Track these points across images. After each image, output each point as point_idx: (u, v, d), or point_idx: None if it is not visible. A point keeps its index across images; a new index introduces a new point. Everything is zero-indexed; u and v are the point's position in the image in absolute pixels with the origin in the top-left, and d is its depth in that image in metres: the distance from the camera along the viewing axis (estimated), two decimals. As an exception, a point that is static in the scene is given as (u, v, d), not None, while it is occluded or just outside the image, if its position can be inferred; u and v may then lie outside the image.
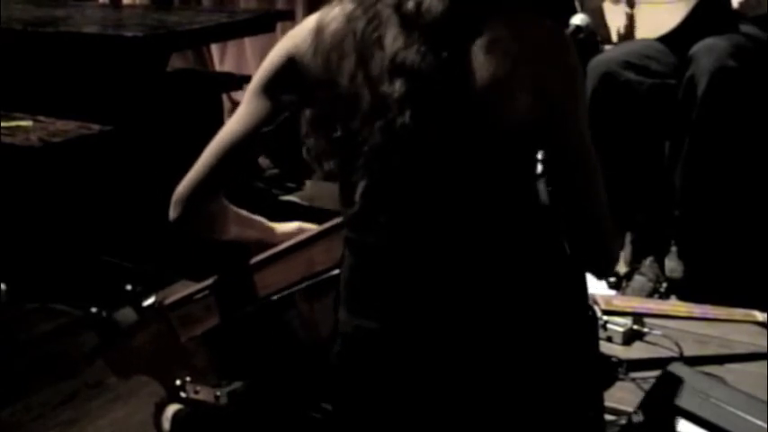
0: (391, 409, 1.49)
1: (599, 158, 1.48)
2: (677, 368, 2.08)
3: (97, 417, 2.38)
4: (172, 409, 1.74)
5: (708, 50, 2.75)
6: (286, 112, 1.50)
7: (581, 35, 2.21)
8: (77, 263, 3.17)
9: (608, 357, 2.28)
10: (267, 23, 4.10)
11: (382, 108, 1.37)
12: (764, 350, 2.38)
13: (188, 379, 1.67)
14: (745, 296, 2.68)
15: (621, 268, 3.01)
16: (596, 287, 2.83)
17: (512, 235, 1.45)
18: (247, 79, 4.14)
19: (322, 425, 1.64)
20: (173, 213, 1.57)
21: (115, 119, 3.36)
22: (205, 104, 4.08)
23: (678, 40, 2.89)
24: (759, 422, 1.90)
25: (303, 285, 1.66)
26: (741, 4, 2.72)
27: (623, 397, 2.13)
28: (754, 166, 2.91)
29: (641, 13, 3.06)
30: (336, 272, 1.56)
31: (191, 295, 1.70)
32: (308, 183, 4.18)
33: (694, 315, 2.63)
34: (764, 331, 2.51)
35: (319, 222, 1.72)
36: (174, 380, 1.67)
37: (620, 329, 2.45)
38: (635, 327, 2.48)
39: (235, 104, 4.59)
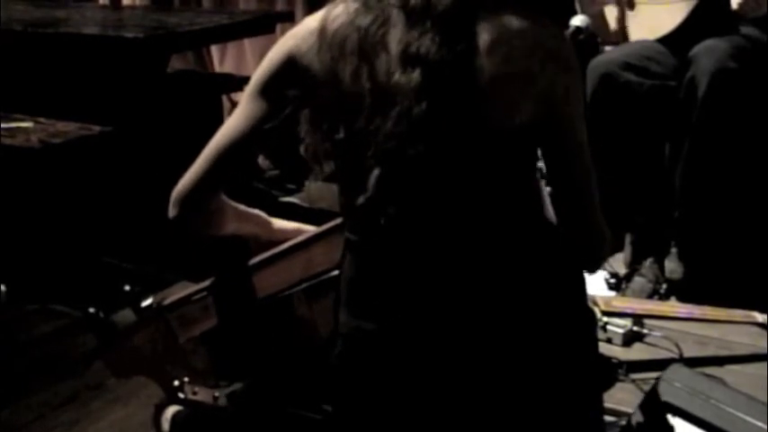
0: (391, 410, 1.48)
1: (598, 159, 1.48)
2: (677, 369, 2.08)
3: (97, 418, 2.38)
4: (171, 410, 1.74)
5: (708, 52, 2.75)
6: (285, 112, 1.50)
7: (581, 36, 2.21)
8: (77, 264, 3.17)
9: (608, 359, 2.28)
10: (267, 24, 4.10)
11: (395, 98, 1.36)
12: (764, 351, 2.38)
13: (186, 380, 1.66)
14: (745, 297, 2.68)
15: (621, 269, 3.01)
16: (596, 288, 2.83)
17: (512, 235, 1.45)
18: (247, 80, 4.08)
19: (321, 426, 1.64)
20: (171, 212, 1.57)
21: (115, 120, 3.36)
22: (205, 105, 4.08)
23: (678, 41, 2.89)
24: (759, 423, 1.90)
25: (302, 287, 1.66)
26: (740, 5, 2.72)
27: (623, 398, 2.13)
28: (753, 168, 2.91)
29: (641, 15, 3.06)
30: (335, 273, 1.56)
31: (189, 296, 1.69)
32: (308, 184, 4.18)
33: (694, 316, 2.63)
34: (764, 332, 2.51)
35: (319, 224, 1.72)
36: (173, 381, 1.67)
37: (620, 331, 2.45)
38: (635, 328, 2.48)
39: (235, 105, 4.58)
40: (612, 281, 2.93)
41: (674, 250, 2.97)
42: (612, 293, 2.90)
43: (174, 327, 1.69)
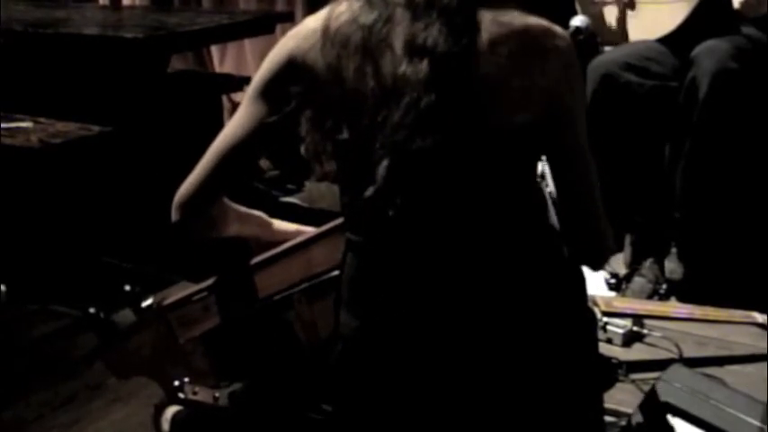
0: (392, 410, 1.48)
1: (598, 159, 1.49)
2: (677, 370, 2.08)
3: (97, 418, 2.38)
4: (171, 410, 1.74)
5: (709, 52, 2.75)
6: (286, 112, 1.50)
7: (581, 36, 2.21)
8: (77, 264, 3.17)
9: (608, 359, 2.28)
10: (267, 25, 4.10)
11: (401, 90, 1.36)
12: (764, 351, 2.38)
13: (187, 380, 1.66)
14: (745, 298, 2.68)
15: (621, 269, 3.01)
16: (596, 288, 2.83)
17: (514, 233, 1.45)
18: (247, 80, 4.14)
19: (322, 426, 1.64)
20: (174, 217, 1.57)
21: (115, 120, 3.36)
22: (205, 106, 4.08)
23: (679, 41, 2.89)
24: (758, 423, 1.90)
25: (302, 287, 1.66)
26: (742, 5, 2.72)
27: (623, 399, 2.13)
28: (754, 168, 2.91)
29: (642, 15, 3.06)
30: (336, 273, 1.56)
31: (189, 296, 1.69)
32: (309, 184, 4.18)
33: (694, 317, 2.63)
34: (764, 333, 2.51)
35: (319, 224, 1.72)
36: (173, 381, 1.67)
37: (620, 331, 2.46)
38: (635, 328, 2.48)
39: (235, 105, 4.59)
40: (612, 281, 2.93)
41: (674, 251, 2.97)
42: (612, 294, 2.90)
43: (175, 327, 1.68)
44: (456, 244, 1.43)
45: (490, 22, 1.38)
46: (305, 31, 1.48)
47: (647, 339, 2.47)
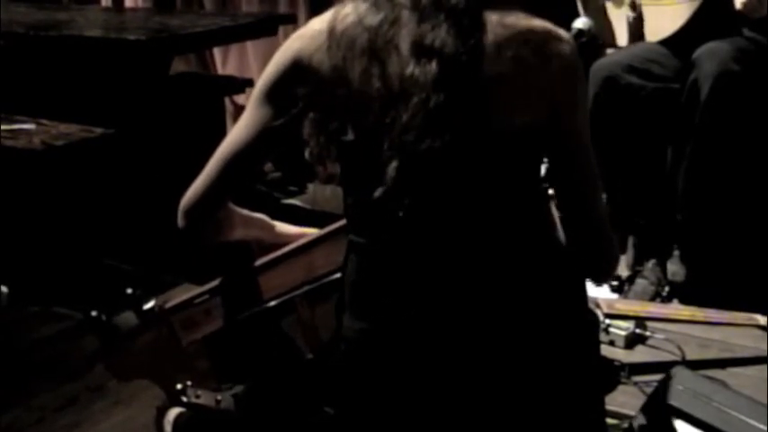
0: (395, 412, 1.48)
1: (600, 162, 1.48)
2: (679, 372, 2.08)
3: (98, 420, 2.38)
4: (173, 412, 1.74)
5: (711, 54, 2.75)
6: (292, 115, 1.49)
7: (583, 39, 2.21)
8: (79, 266, 3.17)
9: (610, 361, 2.28)
10: (269, 27, 4.11)
11: (409, 92, 1.36)
12: (766, 354, 2.38)
13: (189, 383, 1.66)
14: (748, 300, 2.68)
15: (624, 272, 3.01)
16: (598, 290, 2.83)
17: (517, 236, 1.45)
18: (250, 82, 4.17)
19: (324, 428, 1.64)
20: (181, 223, 1.57)
21: (117, 122, 3.36)
22: (207, 108, 4.08)
23: (681, 43, 2.89)
24: (761, 426, 1.89)
25: (304, 289, 1.65)
26: (744, 5, 2.72)
27: (625, 401, 2.13)
28: (756, 170, 2.91)
29: (644, 17, 3.06)
30: (338, 276, 1.56)
31: (191, 299, 1.69)
32: (311, 186, 4.18)
33: (696, 319, 2.63)
34: (766, 335, 2.51)
35: (321, 226, 1.72)
36: (176, 384, 1.67)
37: (623, 333, 2.45)
38: (637, 330, 2.48)
39: (237, 107, 4.60)
40: (615, 283, 2.93)
41: (676, 253, 2.97)
42: (615, 296, 2.89)
43: (177, 330, 1.68)
44: (460, 245, 1.43)
45: (495, 23, 1.38)
46: (311, 32, 1.48)
47: (650, 341, 2.47)
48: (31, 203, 3.25)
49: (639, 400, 2.09)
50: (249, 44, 4.66)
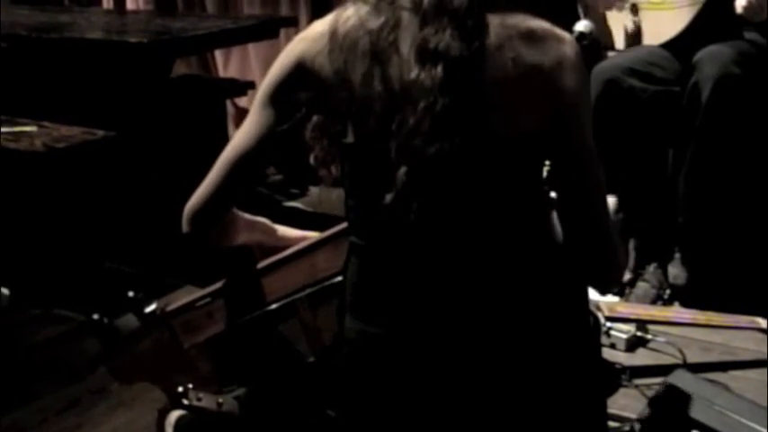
0: (396, 415, 1.48)
1: (602, 164, 1.48)
2: (680, 375, 2.08)
3: (100, 423, 2.38)
4: (175, 415, 1.74)
5: (712, 57, 2.75)
6: (296, 118, 1.50)
7: (585, 41, 2.21)
8: (81, 269, 3.17)
9: (611, 364, 2.27)
10: (271, 29, 4.11)
11: (413, 96, 1.35)
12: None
13: (190, 385, 1.66)
14: (749, 303, 2.67)
15: (625, 275, 3.01)
16: (600, 294, 2.83)
17: (519, 240, 1.45)
18: (251, 85, 4.18)
19: (326, 431, 1.64)
20: (186, 228, 1.57)
21: (119, 124, 3.36)
22: (209, 110, 4.09)
23: (682, 46, 2.89)
24: (762, 429, 1.90)
25: (306, 292, 1.66)
26: (745, 9, 2.72)
27: (627, 404, 2.13)
28: (757, 173, 2.91)
29: (645, 20, 3.06)
30: (339, 278, 1.56)
31: (193, 302, 1.69)
32: (312, 189, 4.18)
33: (698, 322, 2.63)
34: (767, 338, 2.51)
35: (323, 228, 1.72)
36: (177, 386, 1.67)
37: (624, 336, 2.45)
38: (638, 333, 2.47)
39: (239, 110, 4.60)
40: (616, 286, 2.93)
41: (677, 256, 2.97)
42: (616, 299, 2.89)
43: (178, 333, 1.68)
44: (464, 247, 1.43)
45: (498, 25, 1.38)
46: (313, 34, 1.48)
47: (651, 345, 2.46)
48: (32, 206, 3.26)
49: (640, 403, 2.09)
50: (251, 47, 4.66)
